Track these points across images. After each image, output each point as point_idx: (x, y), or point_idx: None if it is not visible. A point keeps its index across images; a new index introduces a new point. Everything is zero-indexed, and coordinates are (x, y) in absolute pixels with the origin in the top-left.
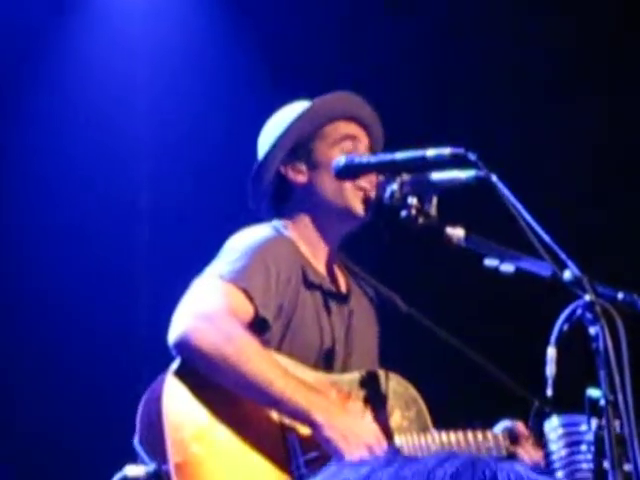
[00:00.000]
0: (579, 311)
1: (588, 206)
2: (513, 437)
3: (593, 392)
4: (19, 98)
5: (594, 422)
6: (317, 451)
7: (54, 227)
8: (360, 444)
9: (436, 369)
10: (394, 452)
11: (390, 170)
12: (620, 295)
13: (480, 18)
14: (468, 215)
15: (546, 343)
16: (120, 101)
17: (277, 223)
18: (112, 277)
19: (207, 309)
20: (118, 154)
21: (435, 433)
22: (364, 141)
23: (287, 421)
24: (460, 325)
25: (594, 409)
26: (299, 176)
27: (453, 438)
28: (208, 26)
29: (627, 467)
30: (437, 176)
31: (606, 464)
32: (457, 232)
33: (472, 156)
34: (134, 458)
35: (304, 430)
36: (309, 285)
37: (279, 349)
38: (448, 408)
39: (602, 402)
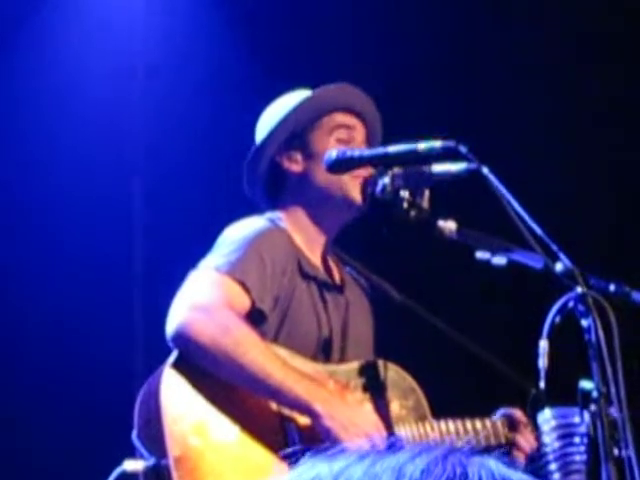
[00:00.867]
0: (571, 303)
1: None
2: (512, 424)
3: (586, 384)
4: None
5: (587, 414)
6: (317, 442)
7: (47, 223)
8: (360, 434)
9: (431, 358)
10: (394, 442)
11: (382, 163)
12: (612, 287)
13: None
14: (461, 207)
15: (538, 335)
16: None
17: (272, 214)
18: (107, 270)
19: (204, 301)
20: (111, 147)
21: (434, 422)
22: (361, 132)
23: (286, 412)
24: (453, 315)
25: (586, 401)
26: (294, 165)
27: (452, 427)
28: (207, 24)
29: (617, 452)
30: (429, 169)
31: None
32: (449, 225)
33: (463, 148)
34: (132, 453)
35: (303, 421)
36: (304, 276)
37: (276, 340)
38: (446, 397)
39: (594, 394)
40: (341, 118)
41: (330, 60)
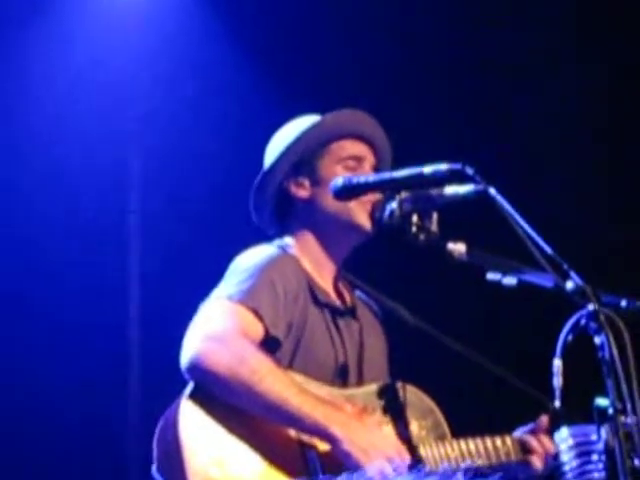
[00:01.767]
0: (583, 321)
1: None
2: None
3: (601, 401)
4: None
5: (604, 431)
6: (338, 467)
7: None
8: (380, 457)
9: (447, 378)
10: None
11: (388, 189)
12: (623, 302)
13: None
14: (470, 229)
15: (552, 354)
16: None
17: (280, 241)
18: (103, 290)
19: (218, 331)
20: (110, 155)
21: (454, 441)
22: (370, 160)
23: (306, 438)
24: (465, 337)
25: (603, 418)
26: (301, 191)
27: (472, 445)
28: (211, 35)
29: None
30: (436, 192)
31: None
32: (459, 247)
33: (470, 170)
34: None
35: (323, 446)
36: (316, 302)
37: (291, 367)
38: (463, 416)
39: (610, 411)
40: (350, 146)
41: (336, 75)
